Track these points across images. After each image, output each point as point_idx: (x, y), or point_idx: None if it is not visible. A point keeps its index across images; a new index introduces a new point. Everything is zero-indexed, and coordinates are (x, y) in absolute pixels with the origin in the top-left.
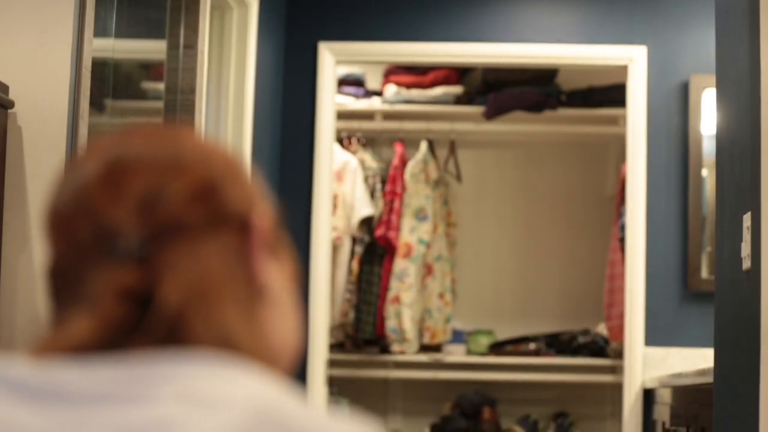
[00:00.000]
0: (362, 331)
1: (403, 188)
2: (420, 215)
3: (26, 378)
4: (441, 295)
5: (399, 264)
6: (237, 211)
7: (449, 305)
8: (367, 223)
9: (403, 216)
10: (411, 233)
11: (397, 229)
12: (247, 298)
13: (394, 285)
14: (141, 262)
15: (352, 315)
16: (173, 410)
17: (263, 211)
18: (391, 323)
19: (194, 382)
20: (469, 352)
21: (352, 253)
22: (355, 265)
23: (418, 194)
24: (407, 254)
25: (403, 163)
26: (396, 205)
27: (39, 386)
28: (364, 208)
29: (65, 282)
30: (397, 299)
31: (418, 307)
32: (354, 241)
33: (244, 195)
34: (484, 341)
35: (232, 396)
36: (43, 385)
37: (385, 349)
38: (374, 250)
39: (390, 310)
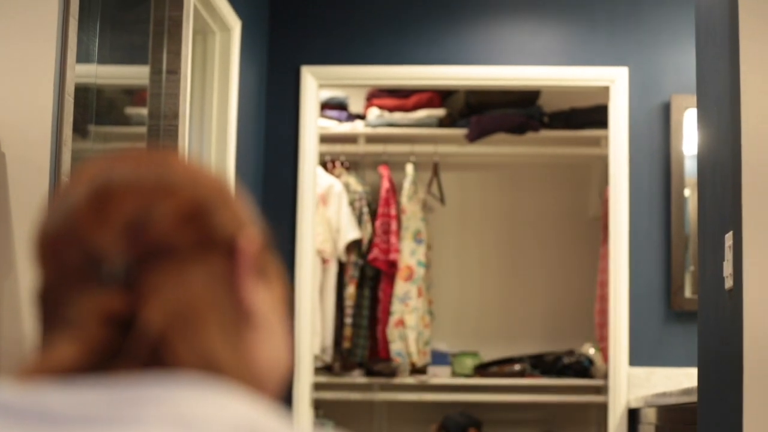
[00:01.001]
0: (353, 355)
1: (401, 211)
2: (417, 238)
3: (12, 400)
4: (421, 317)
5: (401, 287)
6: (224, 234)
7: (428, 327)
8: (355, 246)
9: (402, 239)
10: (411, 256)
11: (398, 251)
12: (232, 322)
13: (397, 308)
14: (126, 286)
15: (343, 338)
16: None
17: (251, 234)
18: (396, 346)
19: (179, 405)
20: (454, 374)
21: (341, 275)
22: (352, 289)
23: (415, 217)
24: (409, 277)
25: (392, 185)
26: (393, 227)
27: (25, 409)
28: (351, 231)
29: (52, 306)
30: (401, 322)
31: (417, 330)
32: (342, 265)
33: (231, 218)
34: (469, 363)
35: (217, 418)
36: (29, 408)
37: (370, 372)
38: (363, 273)
39: (394, 333)
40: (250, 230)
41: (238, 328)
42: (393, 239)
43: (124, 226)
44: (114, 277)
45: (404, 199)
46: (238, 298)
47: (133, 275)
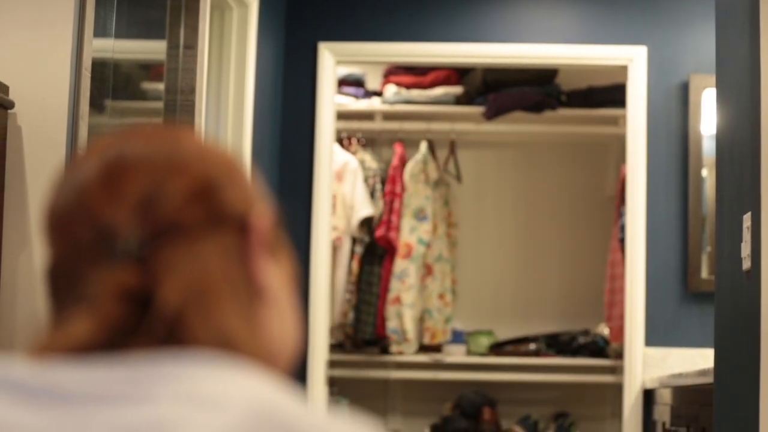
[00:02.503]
0: (362, 332)
1: (403, 188)
2: (420, 215)
3: (26, 378)
4: (441, 296)
5: (399, 264)
6: (236, 211)
7: (449, 305)
8: (367, 223)
9: (403, 216)
10: (411, 233)
11: (398, 229)
12: (246, 299)
13: (395, 285)
14: (140, 262)
15: (351, 315)
16: (173, 411)
17: (262, 211)
18: (391, 324)
19: (194, 383)
20: (469, 353)
21: (352, 253)
22: (355, 266)
23: (417, 194)
24: (407, 254)
25: (402, 163)
26: (396, 205)
27: (38, 387)
28: (364, 208)
29: (64, 282)
30: (397, 300)
31: (418, 308)
32: (354, 241)
33: (243, 195)
34: (485, 341)
35: (231, 396)
36: (42, 386)
37: (385, 350)
38: (374, 250)
39: (391, 310)
40: (261, 207)
41: (251, 305)
42: (393, 217)
43: (137, 202)
44: (128, 254)
45: (407, 176)
46: (250, 275)
47: (146, 251)
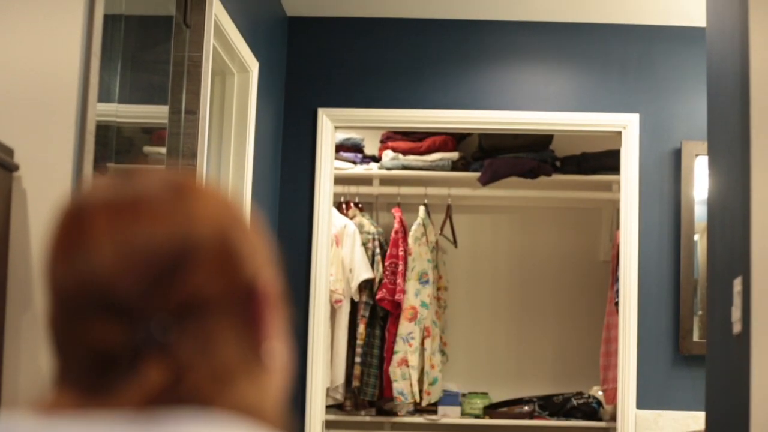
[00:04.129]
0: (363, 393)
1: (407, 252)
2: (423, 279)
3: None
4: (429, 358)
5: (405, 327)
6: (247, 279)
7: (436, 367)
8: (366, 286)
9: (408, 280)
10: (416, 296)
11: (404, 291)
12: (256, 367)
13: (401, 347)
14: (165, 351)
15: (358, 376)
16: None
17: (268, 275)
18: (398, 385)
19: None
20: (464, 414)
21: (354, 315)
22: (362, 328)
23: (421, 258)
24: (413, 317)
25: (403, 227)
26: (400, 268)
27: None
28: (364, 271)
29: (70, 345)
30: (404, 361)
31: (418, 369)
32: (356, 304)
33: (253, 260)
34: (479, 403)
35: None
36: None
37: (381, 411)
38: (374, 313)
39: (397, 372)
40: (267, 270)
41: (260, 372)
42: (399, 280)
43: (156, 283)
44: (153, 341)
45: (411, 240)
46: (258, 342)
47: (170, 336)
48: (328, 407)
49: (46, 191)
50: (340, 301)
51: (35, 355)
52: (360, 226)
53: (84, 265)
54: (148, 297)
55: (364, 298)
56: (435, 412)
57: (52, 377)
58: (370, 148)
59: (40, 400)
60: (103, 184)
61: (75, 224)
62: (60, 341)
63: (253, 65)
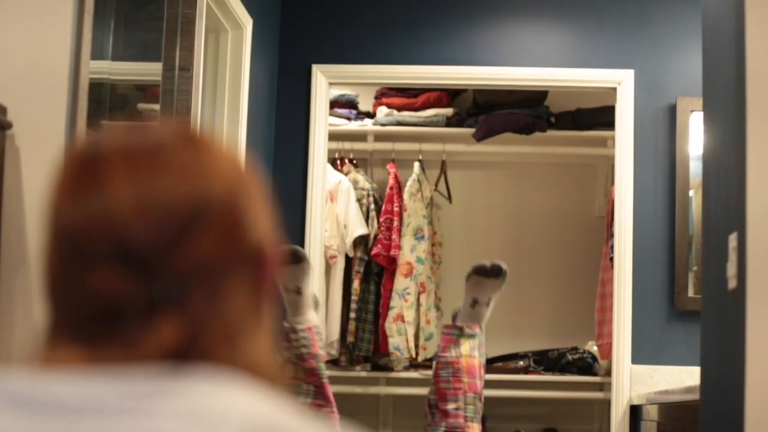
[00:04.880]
0: (359, 348)
1: (402, 208)
2: (418, 234)
3: (23, 390)
4: (425, 313)
5: (401, 282)
6: (254, 243)
7: (431, 323)
8: (361, 242)
9: (403, 235)
10: (411, 252)
11: (399, 247)
12: (258, 326)
13: (397, 303)
14: (177, 308)
15: (353, 332)
16: (170, 426)
17: (272, 238)
18: (394, 341)
19: (192, 399)
20: None
21: (349, 271)
22: (357, 284)
23: (416, 214)
24: (409, 273)
25: (398, 183)
26: (396, 224)
27: (35, 399)
28: (359, 227)
29: (71, 298)
30: (400, 317)
31: (415, 325)
32: (351, 260)
33: (259, 224)
34: None
35: (229, 413)
36: (39, 398)
37: (376, 366)
38: (369, 269)
39: (393, 328)
40: (271, 234)
41: (261, 329)
42: (395, 236)
43: (174, 239)
44: (166, 296)
45: (406, 196)
46: (260, 302)
47: (182, 294)
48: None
49: (39, 149)
50: (335, 257)
51: (29, 311)
52: (354, 182)
53: (98, 207)
54: (165, 251)
55: (358, 254)
56: (430, 367)
57: (47, 330)
58: (365, 104)
59: (36, 355)
60: (116, 130)
61: (89, 167)
62: (60, 289)
63: (247, 22)
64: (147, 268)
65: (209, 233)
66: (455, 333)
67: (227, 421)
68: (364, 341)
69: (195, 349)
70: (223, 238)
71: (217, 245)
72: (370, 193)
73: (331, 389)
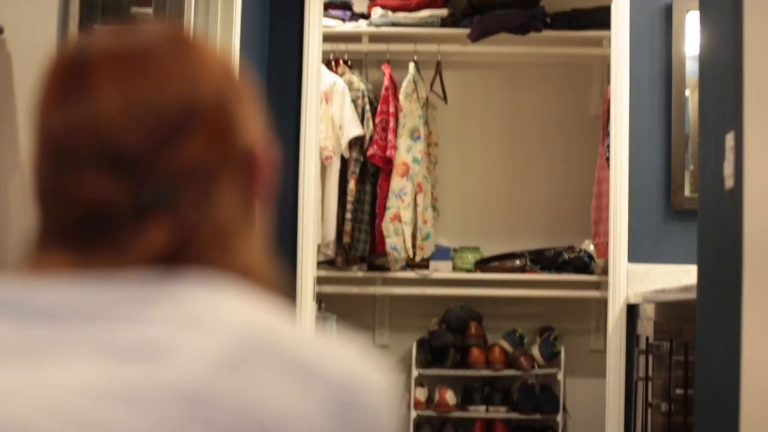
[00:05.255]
0: (355, 249)
1: (398, 108)
2: (414, 135)
3: (10, 296)
4: (422, 213)
5: (398, 182)
6: (245, 146)
7: (428, 223)
8: (357, 143)
9: (399, 136)
10: (407, 152)
11: (395, 147)
12: (250, 230)
13: (394, 203)
14: (168, 212)
15: (349, 233)
16: (162, 332)
17: (264, 142)
18: (391, 241)
19: (183, 305)
20: (456, 269)
21: (344, 172)
22: (352, 185)
23: (412, 114)
24: (405, 173)
25: (393, 83)
26: (391, 124)
27: (23, 305)
28: (354, 128)
29: (60, 204)
30: (397, 217)
31: (411, 225)
32: (346, 161)
33: (250, 127)
34: (471, 258)
35: (221, 318)
36: (28, 304)
37: (372, 266)
38: (365, 169)
39: (390, 228)
40: (262, 137)
41: (252, 233)
42: (390, 136)
43: (160, 143)
44: (156, 199)
45: (402, 96)
46: (251, 206)
47: (172, 198)
48: (320, 264)
49: (31, 54)
50: (330, 158)
51: (23, 218)
52: (349, 84)
53: (85, 111)
54: (154, 155)
55: (354, 155)
56: (426, 267)
57: (36, 236)
58: (359, 5)
59: (26, 261)
60: (103, 33)
61: (76, 69)
62: (48, 194)
63: None
64: (136, 172)
65: (199, 136)
66: None
67: (219, 327)
68: (361, 242)
69: (186, 253)
70: (213, 140)
71: (207, 148)
72: (365, 94)
73: None
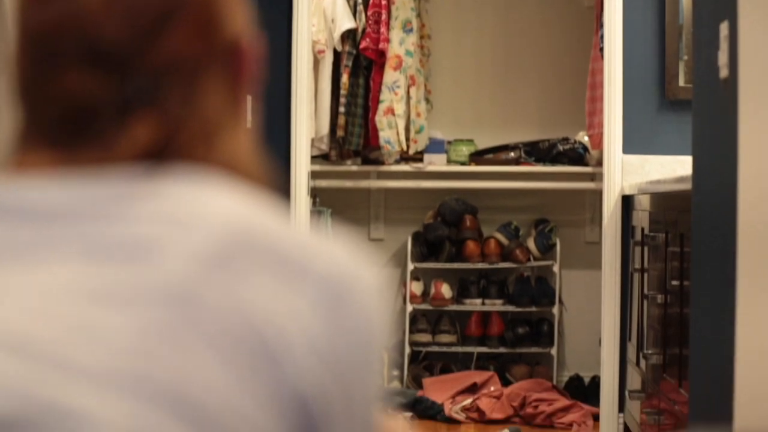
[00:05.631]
0: (348, 143)
1: (390, 1)
2: (407, 27)
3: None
4: (415, 106)
5: (390, 75)
6: (230, 39)
7: (422, 115)
8: (349, 36)
9: (391, 28)
10: (400, 45)
11: (388, 40)
12: (236, 123)
13: (387, 96)
14: (153, 107)
15: (343, 127)
16: (147, 230)
17: (249, 34)
18: (385, 134)
19: (169, 201)
20: (450, 161)
21: (337, 66)
22: (345, 78)
23: (404, 6)
24: (398, 66)
25: None
26: (384, 17)
27: (7, 204)
28: (347, 21)
29: (43, 99)
30: (390, 110)
31: (405, 118)
32: (337, 54)
33: (235, 19)
34: (465, 150)
35: (208, 215)
36: (11, 203)
37: (366, 160)
38: (357, 63)
39: (383, 121)
40: (248, 30)
41: (239, 127)
42: (383, 29)
43: (143, 34)
44: (140, 96)
45: None
46: (238, 100)
47: (157, 92)
48: (314, 158)
49: None
50: (323, 51)
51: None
52: None
53: (67, 5)
54: (137, 49)
55: (347, 48)
56: (421, 160)
57: (19, 134)
58: None
59: (8, 160)
60: None
61: None
62: (31, 92)
63: None
64: (119, 67)
65: (183, 29)
66: None
67: (206, 224)
68: (354, 135)
69: (171, 149)
70: (198, 33)
71: (191, 41)
72: None
73: None
